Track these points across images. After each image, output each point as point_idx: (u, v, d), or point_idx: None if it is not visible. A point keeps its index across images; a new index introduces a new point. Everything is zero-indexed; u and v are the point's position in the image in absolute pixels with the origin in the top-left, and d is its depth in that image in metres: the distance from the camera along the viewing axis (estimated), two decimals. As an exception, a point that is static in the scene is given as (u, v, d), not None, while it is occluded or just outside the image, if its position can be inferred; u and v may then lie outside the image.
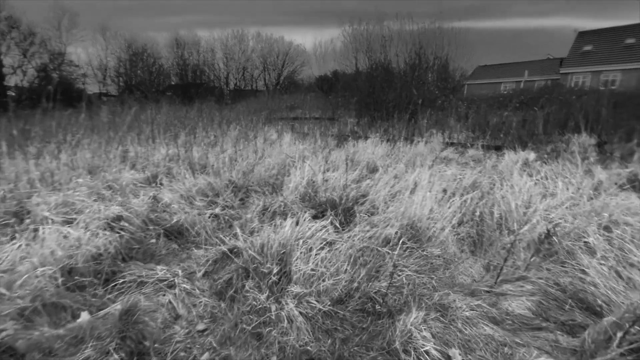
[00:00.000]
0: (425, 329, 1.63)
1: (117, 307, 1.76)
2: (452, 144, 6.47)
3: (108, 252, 2.30)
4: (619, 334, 1.31)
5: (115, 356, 1.50)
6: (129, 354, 1.56)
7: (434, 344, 1.52)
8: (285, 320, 1.74)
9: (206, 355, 1.64)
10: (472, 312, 1.76)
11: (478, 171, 3.70)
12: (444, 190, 3.22)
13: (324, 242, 2.27)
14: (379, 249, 2.15)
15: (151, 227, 2.82)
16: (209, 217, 3.28)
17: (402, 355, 1.51)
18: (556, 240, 2.14)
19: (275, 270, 1.91)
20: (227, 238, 2.73)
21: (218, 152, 5.15)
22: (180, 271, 2.30)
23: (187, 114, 9.63)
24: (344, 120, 10.48)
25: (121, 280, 2.10)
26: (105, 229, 2.49)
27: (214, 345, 1.68)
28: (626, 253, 2.23)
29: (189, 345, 1.69)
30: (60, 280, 1.99)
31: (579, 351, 1.52)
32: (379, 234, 2.26)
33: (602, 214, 2.53)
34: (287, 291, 1.86)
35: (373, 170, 4.38)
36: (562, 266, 2.07)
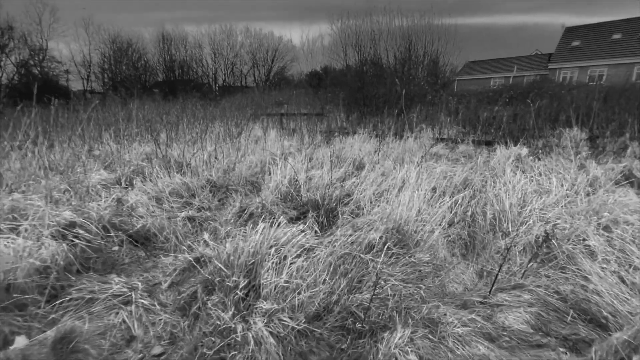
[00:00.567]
0: (411, 350, 1.42)
1: (51, 333, 1.50)
2: (442, 139, 6.29)
3: (57, 264, 2.03)
4: (636, 359, 1.12)
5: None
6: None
7: (422, 369, 1.31)
8: (253, 343, 1.51)
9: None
10: (464, 328, 1.56)
11: (469, 168, 3.52)
12: (434, 189, 3.03)
13: (302, 249, 2.05)
14: (362, 255, 1.93)
15: (113, 233, 2.55)
16: (182, 220, 3.03)
17: (385, 385, 1.30)
18: (555, 244, 1.95)
19: (242, 284, 1.68)
20: (198, 244, 2.49)
21: (197, 149, 4.86)
22: (140, 284, 2.04)
23: (170, 111, 9.26)
24: (333, 115, 10.24)
25: (68, 297, 1.84)
26: (56, 237, 2.22)
27: (167, 375, 1.44)
28: (628, 255, 2.06)
29: (138, 376, 1.45)
30: (-8, 299, 1.72)
31: (585, 373, 1.34)
32: (362, 239, 2.04)
33: (601, 213, 2.36)
34: (256, 308, 1.63)
35: (360, 167, 4.16)
36: (562, 272, 1.88)
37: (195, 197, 3.63)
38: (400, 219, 2.11)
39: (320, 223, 2.69)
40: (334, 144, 5.75)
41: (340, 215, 2.62)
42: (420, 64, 12.44)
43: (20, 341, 1.60)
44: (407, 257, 1.96)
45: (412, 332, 1.51)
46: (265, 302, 1.62)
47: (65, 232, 2.27)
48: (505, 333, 1.58)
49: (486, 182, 3.00)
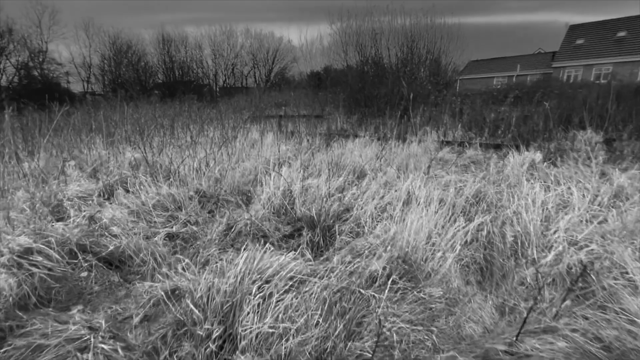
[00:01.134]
0: None
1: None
2: (447, 142, 5.98)
3: (5, 300, 1.75)
4: None
5: None
6: None
7: None
8: (226, 412, 1.21)
9: None
10: (489, 390, 1.25)
11: (481, 177, 3.20)
12: (441, 201, 2.72)
13: (292, 281, 1.75)
14: (362, 291, 1.63)
15: (81, 257, 2.26)
16: (163, 239, 2.73)
17: None
18: (593, 278, 1.64)
19: (216, 333, 1.38)
20: (176, 270, 2.19)
21: (186, 156, 4.57)
22: (104, 322, 1.75)
23: (165, 113, 8.98)
24: (333, 117, 9.94)
25: (12, 345, 1.55)
26: (11, 267, 1.93)
27: None
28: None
29: None
30: None
31: None
32: (362, 269, 1.74)
33: (636, 233, 2.05)
34: (232, 363, 1.33)
35: (361, 175, 3.86)
36: (603, 312, 1.57)
37: (182, 210, 3.34)
38: (407, 246, 1.81)
39: (315, 244, 2.39)
40: (332, 148, 5.45)
41: (337, 236, 2.32)
42: (423, 63, 12.14)
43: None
44: (415, 292, 1.65)
45: (424, 398, 1.21)
46: (243, 357, 1.32)
47: (21, 260, 1.97)
48: (540, 397, 1.27)
49: (501, 195, 2.69)
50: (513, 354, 1.44)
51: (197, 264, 2.30)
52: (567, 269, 1.73)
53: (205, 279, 1.62)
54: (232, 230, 2.65)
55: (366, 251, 1.90)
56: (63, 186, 3.33)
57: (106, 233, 2.51)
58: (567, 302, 1.55)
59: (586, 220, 2.49)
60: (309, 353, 1.44)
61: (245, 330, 1.40)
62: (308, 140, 6.54)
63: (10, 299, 1.75)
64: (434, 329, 1.56)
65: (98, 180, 3.83)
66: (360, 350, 1.43)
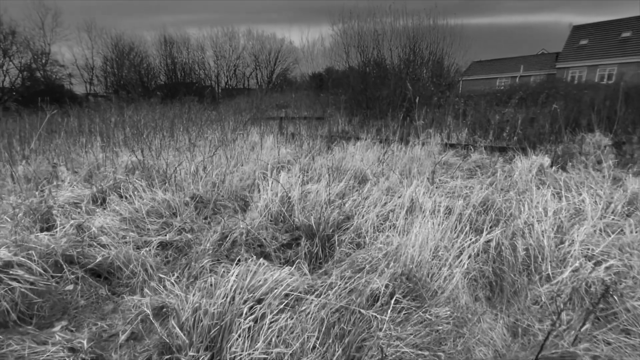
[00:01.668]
0: None
1: None
2: (452, 145, 5.84)
3: (-19, 319, 1.64)
4: None
5: None
6: None
7: None
8: None
9: None
10: None
11: (489, 183, 3.06)
12: (448, 209, 2.59)
13: (288, 298, 1.62)
14: (363, 311, 1.50)
15: (67, 269, 2.15)
16: (155, 248, 2.62)
17: None
18: (616, 299, 1.51)
19: (202, 361, 1.26)
20: (167, 283, 2.07)
21: (183, 160, 4.46)
22: (86, 342, 1.63)
23: (164, 115, 8.89)
24: (335, 119, 9.81)
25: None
26: (-10, 280, 1.82)
27: None
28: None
29: None
30: None
31: None
32: (362, 287, 1.61)
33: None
34: (220, 395, 1.21)
35: (362, 180, 3.73)
36: (627, 337, 1.44)
37: (176, 216, 3.23)
38: (411, 262, 1.68)
39: (314, 255, 2.26)
40: (334, 151, 5.32)
41: (337, 247, 2.19)
42: (425, 64, 12.01)
43: None
44: (420, 313, 1.52)
45: None
46: (231, 389, 1.20)
47: (0, 274, 1.86)
48: None
49: (510, 202, 2.55)
50: (529, 384, 1.31)
51: (189, 277, 2.19)
52: (585, 287, 1.60)
53: (193, 297, 1.49)
54: (227, 239, 2.52)
55: (367, 266, 1.78)
56: (55, 192, 3.22)
57: (94, 243, 2.39)
58: (587, 325, 1.42)
59: (600, 230, 2.35)
60: (305, 381, 1.32)
61: (235, 356, 1.28)
62: (309, 143, 6.42)
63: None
64: (441, 353, 1.43)
65: (92, 185, 3.73)
66: (361, 379, 1.31)
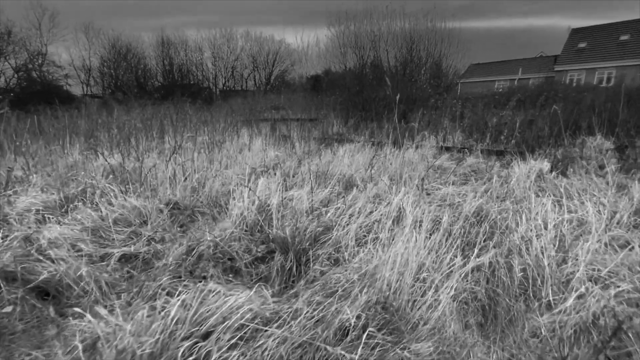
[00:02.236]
0: None
1: None
2: (447, 148, 5.61)
3: None
4: None
5: None
6: None
7: None
8: None
9: None
10: None
11: (483, 191, 2.83)
12: (437, 221, 2.35)
13: (242, 331, 1.38)
14: (329, 348, 1.26)
15: (5, 289, 1.90)
16: (116, 262, 2.37)
17: None
18: (630, 337, 1.27)
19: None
20: (111, 308, 1.82)
21: (162, 162, 4.22)
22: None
23: (155, 116, 8.66)
24: (329, 121, 9.59)
25: None
26: None
27: None
28: None
29: None
30: None
31: None
32: (331, 316, 1.37)
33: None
34: None
35: (349, 186, 3.49)
36: (644, 383, 1.20)
37: (147, 225, 2.98)
38: (387, 288, 1.44)
39: (287, 271, 2.02)
40: (324, 154, 5.09)
41: (312, 263, 1.95)
42: (423, 66, 11.83)
43: None
44: (398, 350, 1.28)
45: None
46: None
47: None
48: None
49: (507, 212, 2.32)
50: None
51: (145, 298, 1.94)
52: (593, 318, 1.36)
53: (125, 331, 1.25)
54: (193, 253, 2.28)
55: (340, 289, 1.53)
56: (14, 198, 2.97)
57: (41, 257, 2.14)
58: (597, 367, 1.18)
59: (606, 244, 2.12)
60: None
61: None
62: (301, 146, 6.19)
63: None
64: (422, 402, 1.19)
65: (59, 190, 3.48)
66: None
